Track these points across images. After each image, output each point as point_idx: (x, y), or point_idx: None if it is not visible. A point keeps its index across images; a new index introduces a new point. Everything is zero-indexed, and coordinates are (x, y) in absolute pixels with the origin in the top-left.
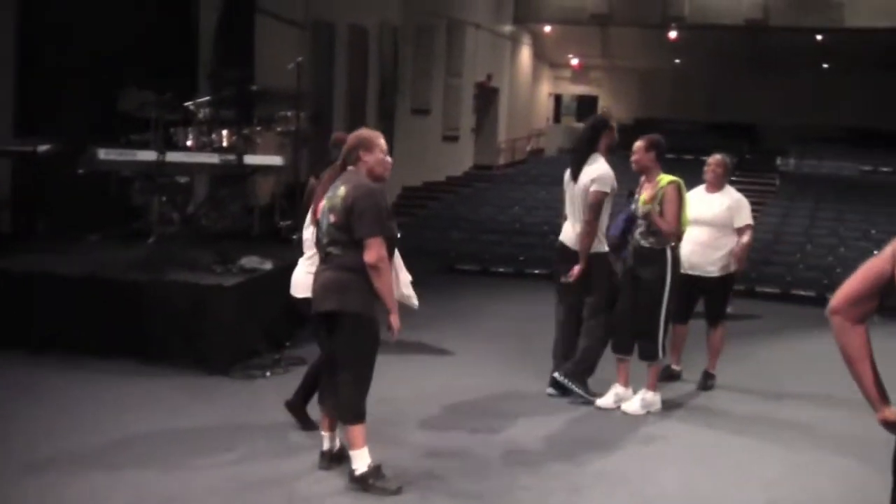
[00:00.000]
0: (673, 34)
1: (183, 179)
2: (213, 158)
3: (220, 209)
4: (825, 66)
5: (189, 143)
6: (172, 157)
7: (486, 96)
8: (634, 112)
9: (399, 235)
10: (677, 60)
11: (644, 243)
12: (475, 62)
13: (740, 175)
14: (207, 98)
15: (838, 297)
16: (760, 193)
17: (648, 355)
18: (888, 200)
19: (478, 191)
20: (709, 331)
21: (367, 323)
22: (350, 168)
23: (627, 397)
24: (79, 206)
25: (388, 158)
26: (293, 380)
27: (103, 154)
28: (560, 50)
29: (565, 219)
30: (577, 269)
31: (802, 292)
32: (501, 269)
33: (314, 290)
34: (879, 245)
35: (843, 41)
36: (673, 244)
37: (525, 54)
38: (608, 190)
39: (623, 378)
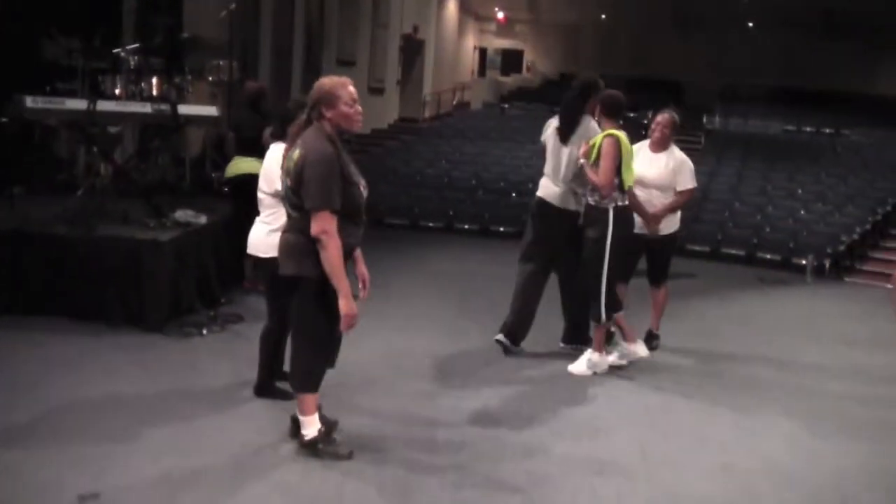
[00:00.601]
0: None
1: (113, 129)
2: (146, 108)
3: (151, 160)
4: (750, 24)
5: (117, 91)
6: (103, 105)
7: (412, 48)
8: (559, 67)
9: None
10: (603, 16)
11: (590, 200)
12: (402, 13)
13: None
14: (136, 45)
15: None
16: (686, 151)
17: (592, 315)
18: (812, 160)
19: (405, 144)
20: (653, 290)
21: (325, 289)
22: (314, 125)
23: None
24: (1, 156)
25: (357, 108)
26: (230, 338)
27: (30, 102)
28: (486, 3)
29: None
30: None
31: (732, 251)
32: (431, 224)
33: (279, 252)
34: (806, 205)
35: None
36: (619, 203)
37: (451, 6)
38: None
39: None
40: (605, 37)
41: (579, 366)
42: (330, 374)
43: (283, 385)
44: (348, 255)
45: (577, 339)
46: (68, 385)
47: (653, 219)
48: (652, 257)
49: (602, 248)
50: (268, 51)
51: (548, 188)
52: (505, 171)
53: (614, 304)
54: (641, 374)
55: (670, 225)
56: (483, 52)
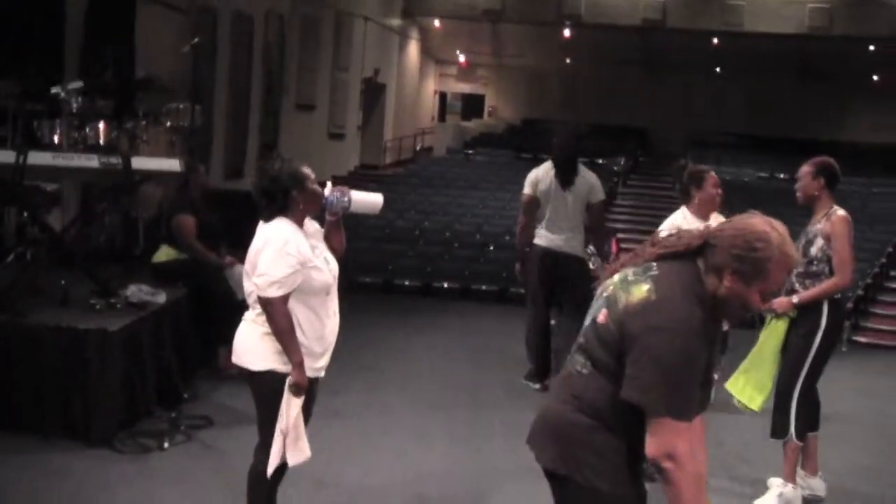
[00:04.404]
0: (567, 32)
1: (50, 187)
2: (92, 161)
3: (97, 225)
4: (718, 69)
5: (56, 139)
6: (37, 158)
7: (373, 92)
8: (522, 112)
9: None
10: (568, 60)
11: (797, 287)
12: (363, 56)
13: (636, 178)
14: (80, 84)
15: None
16: (664, 198)
17: (775, 430)
18: (792, 207)
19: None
20: None
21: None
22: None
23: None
24: None
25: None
26: (198, 451)
27: None
28: (448, 46)
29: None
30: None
31: None
32: (407, 283)
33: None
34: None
35: (738, 46)
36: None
37: (413, 49)
38: (604, 196)
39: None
40: (569, 82)
41: (768, 502)
42: None
43: None
44: None
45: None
46: None
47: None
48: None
49: (809, 344)
50: (224, 94)
51: (554, 238)
52: (479, 221)
53: (810, 419)
54: None
55: None
56: (443, 97)
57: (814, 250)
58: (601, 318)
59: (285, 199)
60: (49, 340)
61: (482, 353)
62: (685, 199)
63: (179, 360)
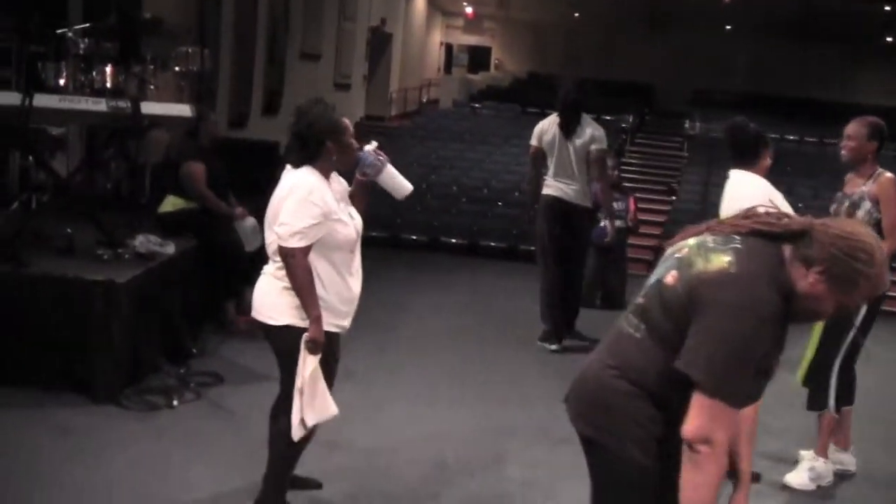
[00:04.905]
0: None
1: (56, 131)
2: (100, 105)
3: (103, 171)
4: (728, 27)
5: (62, 82)
6: (43, 101)
7: (379, 42)
8: (528, 66)
9: None
10: (576, 14)
11: None
12: (370, 5)
13: (643, 137)
14: (86, 25)
15: None
16: (671, 157)
17: (813, 402)
18: (806, 170)
19: None
20: None
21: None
22: None
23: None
24: None
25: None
26: (209, 410)
27: None
28: None
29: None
30: None
31: None
32: (415, 237)
33: None
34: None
35: (747, 2)
36: None
37: (420, 0)
38: (606, 146)
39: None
40: (575, 37)
41: (799, 476)
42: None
43: None
44: None
45: (563, 336)
46: None
47: None
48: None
49: (852, 316)
50: (229, 40)
51: (561, 188)
52: (486, 176)
53: (848, 392)
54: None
55: None
56: (449, 49)
57: (861, 213)
58: (670, 279)
59: (318, 147)
60: (54, 291)
61: (492, 313)
62: (749, 161)
63: (187, 314)
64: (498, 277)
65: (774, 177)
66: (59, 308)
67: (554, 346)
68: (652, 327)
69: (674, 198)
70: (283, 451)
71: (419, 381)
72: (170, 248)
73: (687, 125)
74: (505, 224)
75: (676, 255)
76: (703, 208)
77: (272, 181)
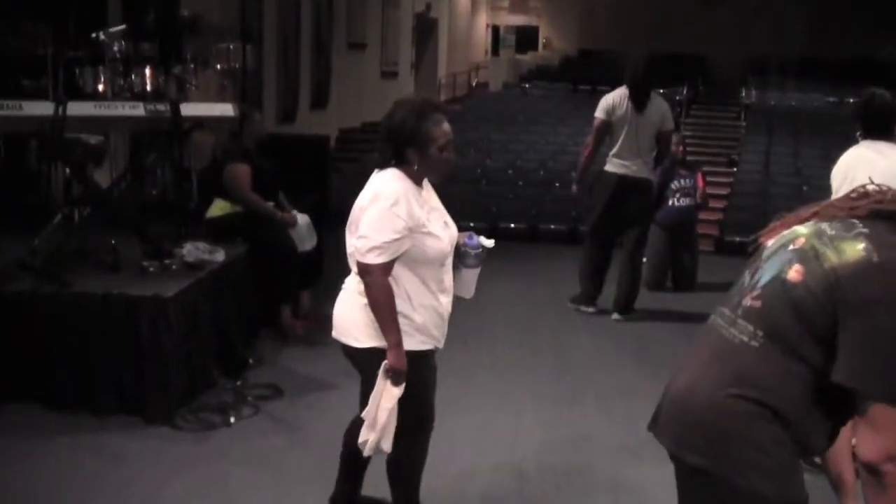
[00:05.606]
0: None
1: (94, 139)
2: (138, 110)
3: (148, 179)
4: None
5: (100, 87)
6: (77, 109)
7: (425, 28)
8: (577, 44)
9: None
10: None
11: None
12: None
13: (697, 108)
14: (122, 28)
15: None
16: (728, 128)
17: None
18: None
19: None
20: None
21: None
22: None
23: None
24: None
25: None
26: (270, 426)
27: None
28: None
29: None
30: None
31: None
32: (472, 224)
33: None
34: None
35: None
36: None
37: None
38: (674, 126)
39: None
40: (624, 11)
41: None
42: None
43: None
44: None
45: (630, 309)
46: None
47: None
48: None
49: None
50: (273, 33)
51: (622, 164)
52: (542, 158)
53: None
54: None
55: None
56: (496, 30)
57: None
58: (794, 274)
59: (399, 153)
60: (99, 310)
61: (558, 304)
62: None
63: (241, 323)
64: (560, 263)
65: (842, 139)
66: (105, 328)
67: (591, 309)
68: (775, 333)
69: (735, 169)
70: (405, 476)
71: (489, 382)
72: (219, 256)
73: (743, 94)
74: (565, 206)
75: (791, 248)
76: (766, 178)
77: (323, 176)
